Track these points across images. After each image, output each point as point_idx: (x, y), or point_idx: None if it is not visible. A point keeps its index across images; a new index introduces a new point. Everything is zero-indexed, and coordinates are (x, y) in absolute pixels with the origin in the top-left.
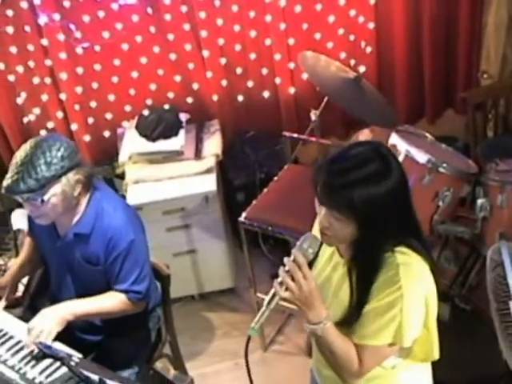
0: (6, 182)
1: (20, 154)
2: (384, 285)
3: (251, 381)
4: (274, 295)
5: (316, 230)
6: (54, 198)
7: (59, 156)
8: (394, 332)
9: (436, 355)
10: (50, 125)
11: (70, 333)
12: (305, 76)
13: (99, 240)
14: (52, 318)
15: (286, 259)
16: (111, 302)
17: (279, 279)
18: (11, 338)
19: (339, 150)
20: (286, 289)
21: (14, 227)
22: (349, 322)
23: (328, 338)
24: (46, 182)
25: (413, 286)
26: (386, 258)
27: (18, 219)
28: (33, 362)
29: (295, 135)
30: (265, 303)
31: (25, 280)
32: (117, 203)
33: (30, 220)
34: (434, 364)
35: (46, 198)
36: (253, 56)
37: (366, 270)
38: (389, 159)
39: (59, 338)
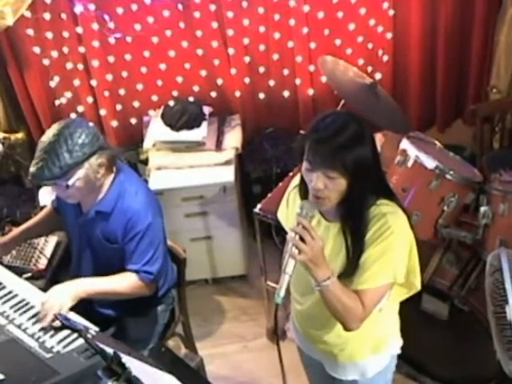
0: (32, 169)
1: (44, 142)
2: (376, 233)
3: (279, 350)
4: (288, 260)
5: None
6: (78, 182)
7: (80, 143)
8: (391, 271)
9: (418, 287)
10: (80, 109)
11: (88, 307)
12: (323, 79)
13: (119, 219)
14: (64, 294)
15: (293, 227)
16: (123, 282)
17: (291, 244)
18: (32, 307)
19: (315, 121)
20: (300, 252)
21: (41, 203)
22: (348, 274)
23: (336, 291)
24: (68, 168)
25: (401, 230)
26: (373, 210)
27: (45, 196)
28: (51, 332)
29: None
30: (282, 270)
31: (48, 253)
32: (139, 186)
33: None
34: (433, 359)
35: (70, 182)
36: (275, 57)
37: (357, 224)
38: (360, 121)
39: (77, 311)
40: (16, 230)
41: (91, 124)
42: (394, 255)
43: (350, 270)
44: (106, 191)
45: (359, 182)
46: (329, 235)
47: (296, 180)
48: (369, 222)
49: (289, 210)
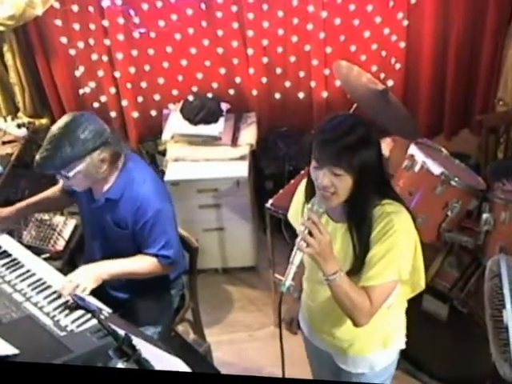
0: (36, 158)
1: (51, 133)
2: (381, 232)
3: (281, 338)
4: (296, 253)
5: (297, 202)
6: (79, 175)
7: (82, 138)
8: (396, 268)
9: (423, 285)
10: (103, 99)
11: (101, 289)
12: (338, 83)
13: (128, 206)
14: (89, 275)
15: (302, 221)
16: (143, 263)
17: (300, 237)
18: (49, 287)
19: (324, 121)
20: (307, 245)
21: None
22: (355, 271)
23: (344, 285)
24: (69, 161)
25: (406, 229)
26: (377, 210)
27: None
28: (66, 312)
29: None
30: (290, 261)
31: (67, 235)
32: (147, 175)
33: None
34: (432, 358)
35: (70, 174)
36: (292, 59)
37: (362, 223)
38: (367, 124)
39: (91, 292)
40: (21, 203)
41: (109, 115)
42: (399, 253)
43: (357, 268)
44: (114, 179)
45: (364, 181)
46: (336, 235)
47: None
48: (374, 221)
49: (298, 207)
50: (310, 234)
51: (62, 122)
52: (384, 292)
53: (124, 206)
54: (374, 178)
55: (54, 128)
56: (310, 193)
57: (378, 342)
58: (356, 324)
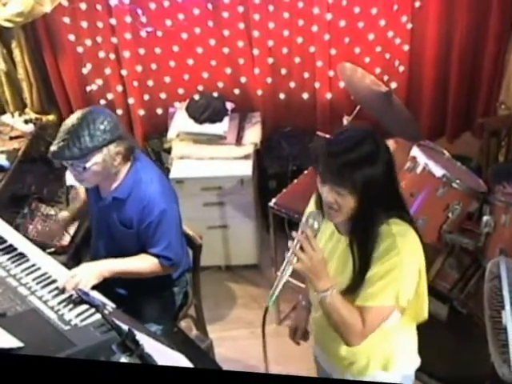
0: (53, 147)
1: (67, 124)
2: (383, 252)
3: (264, 345)
4: (286, 267)
5: (311, 209)
6: (95, 166)
7: (102, 129)
8: (393, 293)
9: (425, 315)
10: (110, 96)
11: (105, 285)
12: (342, 84)
13: (134, 206)
14: (91, 272)
15: (294, 233)
16: (144, 263)
17: (291, 251)
18: (54, 281)
19: (334, 134)
20: (298, 260)
21: (68, 183)
22: (353, 289)
23: (335, 304)
24: (88, 151)
25: (409, 253)
26: (383, 229)
27: (72, 176)
28: (70, 306)
29: (328, 136)
30: (279, 275)
31: (72, 230)
32: (154, 175)
33: None
34: (431, 357)
35: (87, 165)
36: (297, 60)
37: (365, 241)
38: (377, 140)
39: (96, 287)
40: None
41: (116, 112)
42: (398, 277)
43: (355, 285)
44: (122, 179)
45: (368, 200)
46: (339, 248)
47: None
48: (378, 239)
49: None
50: (302, 248)
51: (79, 113)
52: (379, 315)
53: (130, 206)
54: (380, 196)
55: (71, 119)
56: (320, 204)
57: (378, 363)
58: (347, 344)
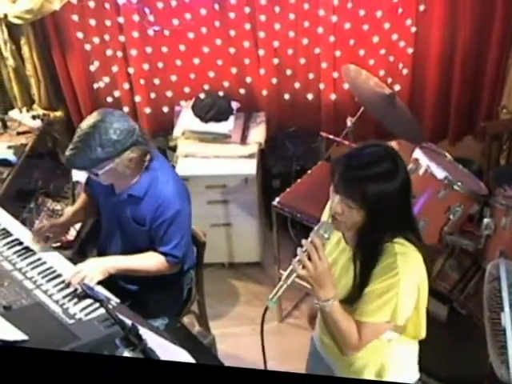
0: (66, 154)
1: (81, 130)
2: (383, 270)
3: (263, 343)
4: (291, 272)
5: (326, 215)
6: (107, 173)
7: (113, 140)
8: (390, 311)
9: (423, 334)
10: (117, 93)
11: (111, 280)
12: (346, 86)
13: (150, 204)
14: (97, 268)
15: (304, 241)
16: (150, 261)
17: (297, 258)
18: (59, 275)
19: (355, 148)
20: (303, 267)
21: (74, 179)
22: (351, 300)
23: (334, 314)
24: (99, 162)
25: (408, 274)
26: (386, 247)
27: (78, 172)
28: (75, 300)
29: (331, 136)
30: (282, 278)
31: (77, 226)
32: (170, 175)
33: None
34: (430, 357)
35: (100, 172)
36: (302, 61)
37: (368, 256)
38: (397, 160)
39: (101, 283)
40: (68, 211)
41: (122, 110)
42: (397, 296)
43: (353, 297)
44: (139, 176)
45: (377, 217)
46: (343, 257)
47: None
48: (380, 255)
49: None
50: (309, 256)
51: (92, 119)
52: (374, 331)
53: (146, 204)
54: (391, 214)
55: (85, 125)
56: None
57: (373, 370)
58: (341, 352)
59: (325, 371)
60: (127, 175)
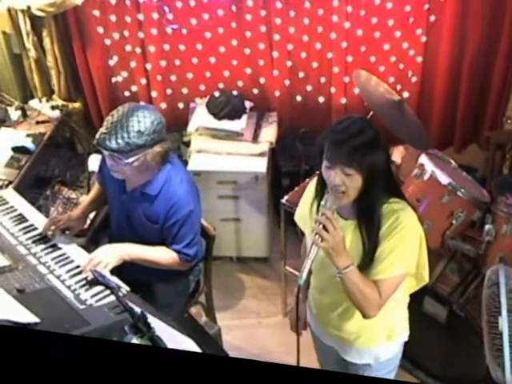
0: (99, 135)
1: (117, 112)
2: (389, 229)
3: (297, 328)
4: (311, 247)
5: (309, 199)
6: (136, 163)
7: (152, 129)
8: (402, 263)
9: (426, 278)
10: (134, 88)
11: (122, 269)
12: (356, 90)
13: (163, 203)
14: (112, 254)
15: (317, 217)
16: (164, 255)
17: (315, 232)
18: (72, 261)
19: (334, 123)
20: (322, 240)
21: (90, 168)
22: (365, 266)
23: (355, 279)
24: (134, 147)
25: (411, 226)
26: (385, 208)
27: (94, 162)
28: (87, 286)
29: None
30: (306, 255)
31: (92, 215)
32: (183, 176)
33: (101, 167)
34: (429, 356)
35: (129, 160)
36: (315, 65)
37: (371, 220)
38: (375, 128)
39: (112, 271)
40: (82, 202)
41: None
42: (406, 247)
43: (366, 263)
44: (154, 175)
45: (373, 180)
46: (346, 232)
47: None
48: (382, 218)
49: (305, 209)
50: (325, 228)
51: (129, 107)
52: (392, 285)
53: (159, 203)
54: (383, 177)
55: (121, 111)
56: (321, 192)
57: (383, 334)
58: (365, 316)
59: (336, 359)
60: (147, 170)
